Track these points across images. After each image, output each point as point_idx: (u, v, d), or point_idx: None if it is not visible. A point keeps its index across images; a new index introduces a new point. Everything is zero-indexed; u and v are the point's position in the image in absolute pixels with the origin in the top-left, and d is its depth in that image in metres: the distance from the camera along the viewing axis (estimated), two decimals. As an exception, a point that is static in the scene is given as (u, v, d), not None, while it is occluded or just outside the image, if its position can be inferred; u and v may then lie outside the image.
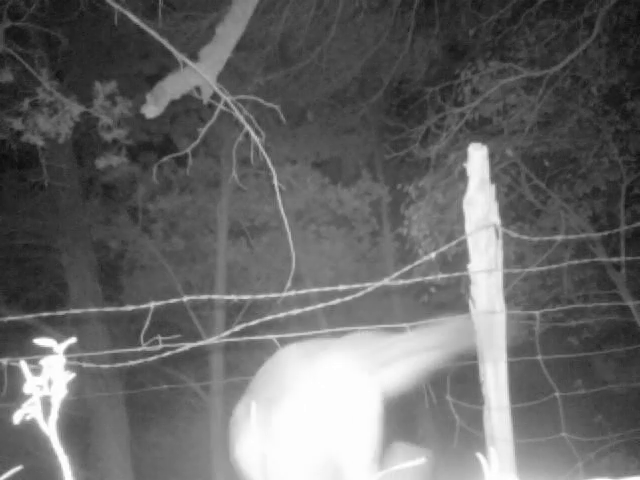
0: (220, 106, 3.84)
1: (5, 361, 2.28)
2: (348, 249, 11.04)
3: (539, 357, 2.73)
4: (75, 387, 1.29)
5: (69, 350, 1.25)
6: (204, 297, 2.51)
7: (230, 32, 4.12)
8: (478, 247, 2.68)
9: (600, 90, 6.78)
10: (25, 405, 1.14)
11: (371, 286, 2.48)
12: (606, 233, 5.95)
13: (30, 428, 1.34)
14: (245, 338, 2.56)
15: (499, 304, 2.68)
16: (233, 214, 10.54)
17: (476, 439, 2.64)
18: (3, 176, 9.36)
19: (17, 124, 5.41)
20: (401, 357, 2.28)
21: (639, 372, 9.39)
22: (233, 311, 9.73)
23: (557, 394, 2.74)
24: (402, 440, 2.45)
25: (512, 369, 2.69)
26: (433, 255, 2.70)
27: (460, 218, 2.83)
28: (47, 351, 1.19)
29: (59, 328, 7.84)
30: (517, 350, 2.89)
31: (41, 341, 1.20)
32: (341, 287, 2.44)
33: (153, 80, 5.09)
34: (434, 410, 9.43)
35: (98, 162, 6.19)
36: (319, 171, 10.81)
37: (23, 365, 1.18)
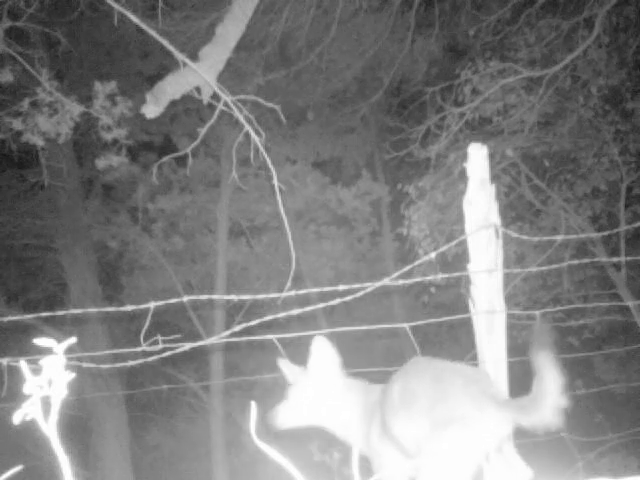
0: (220, 106, 3.84)
1: (5, 361, 2.28)
2: (348, 249, 11.05)
3: (539, 357, 2.72)
4: (75, 387, 1.29)
5: (69, 350, 1.25)
6: (204, 297, 2.50)
7: (230, 32, 4.12)
8: (478, 247, 2.68)
9: (600, 90, 6.78)
10: (25, 405, 1.14)
11: (371, 286, 2.47)
12: (606, 233, 5.94)
13: (30, 428, 1.34)
14: (245, 338, 2.56)
15: (499, 304, 2.68)
16: (233, 214, 10.55)
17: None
18: (3, 176, 9.36)
19: (17, 124, 5.41)
20: None
21: (639, 372, 9.39)
22: (233, 311, 9.73)
23: (557, 394, 2.73)
24: None
25: (512, 369, 2.69)
26: (433, 255, 2.70)
27: (460, 218, 2.83)
28: (47, 351, 1.19)
29: (59, 328, 7.84)
30: (517, 350, 2.88)
31: (41, 341, 1.20)
32: (341, 287, 2.44)
33: (153, 80, 5.09)
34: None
35: (98, 162, 6.19)
36: (319, 171, 10.82)
37: (23, 365, 1.18)
